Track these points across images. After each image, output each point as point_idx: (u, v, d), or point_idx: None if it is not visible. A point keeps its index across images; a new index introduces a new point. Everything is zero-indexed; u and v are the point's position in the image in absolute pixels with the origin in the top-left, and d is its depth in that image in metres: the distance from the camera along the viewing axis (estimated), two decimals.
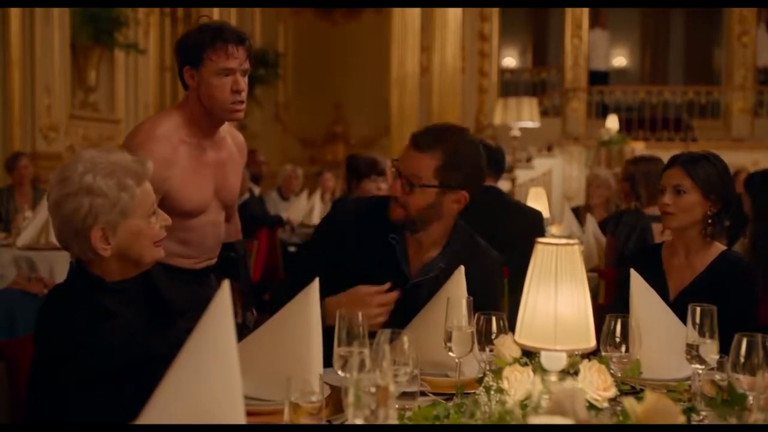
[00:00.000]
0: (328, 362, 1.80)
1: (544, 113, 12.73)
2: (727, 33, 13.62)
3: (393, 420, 1.36)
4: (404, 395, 1.64)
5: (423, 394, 1.82)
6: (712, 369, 1.85)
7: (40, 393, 1.77)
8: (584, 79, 13.70)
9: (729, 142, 12.34)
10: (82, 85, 8.33)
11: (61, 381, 1.73)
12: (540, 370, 1.55)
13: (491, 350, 1.82)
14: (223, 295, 1.36)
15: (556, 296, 1.47)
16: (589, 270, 4.14)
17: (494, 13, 13.70)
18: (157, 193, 2.22)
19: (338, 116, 12.72)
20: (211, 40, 2.43)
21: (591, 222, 5.22)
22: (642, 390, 1.89)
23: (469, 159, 2.29)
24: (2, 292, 4.01)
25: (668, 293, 2.53)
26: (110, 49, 8.38)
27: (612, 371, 1.79)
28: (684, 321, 1.86)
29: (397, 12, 11.19)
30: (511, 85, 14.66)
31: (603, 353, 1.84)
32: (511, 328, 1.76)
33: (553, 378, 1.52)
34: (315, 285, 1.86)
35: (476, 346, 1.86)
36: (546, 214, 4.92)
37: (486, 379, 1.73)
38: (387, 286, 2.18)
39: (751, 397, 1.65)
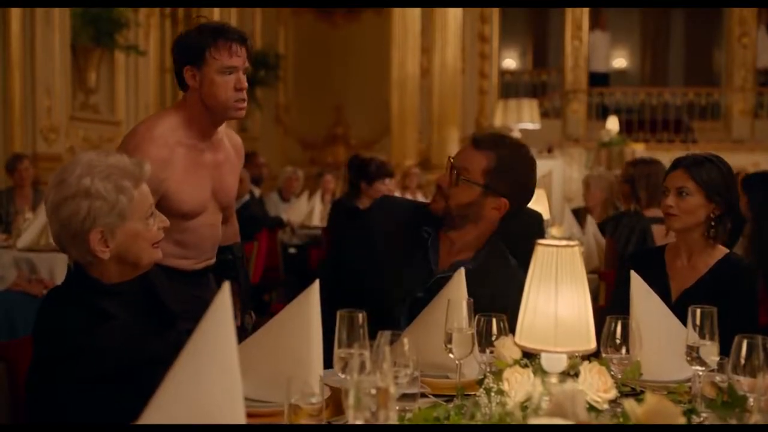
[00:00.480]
0: (328, 364, 1.80)
1: (544, 115, 12.74)
2: (727, 34, 13.62)
3: (393, 422, 1.36)
4: (404, 397, 1.64)
5: (423, 395, 1.82)
6: (713, 371, 1.85)
7: (39, 394, 1.77)
8: (584, 80, 13.71)
9: (729, 143, 12.34)
10: (82, 87, 8.33)
11: (59, 382, 1.73)
12: (540, 371, 1.55)
13: (491, 352, 1.81)
14: (224, 297, 1.36)
15: (557, 298, 1.47)
16: (590, 272, 4.14)
17: (494, 14, 13.71)
18: (154, 195, 2.21)
19: (339, 118, 12.72)
20: (215, 39, 2.43)
21: (591, 223, 5.22)
22: (642, 392, 1.89)
23: (519, 172, 2.33)
24: (2, 293, 4.01)
25: (670, 295, 2.53)
26: (111, 50, 8.38)
27: (612, 373, 1.78)
28: (685, 323, 1.86)
29: (398, 14, 11.19)
30: (511, 87, 14.66)
31: (603, 355, 1.84)
32: (512, 329, 1.76)
33: (554, 380, 1.52)
34: (315, 286, 1.87)
35: (476, 348, 1.86)
36: (546, 215, 4.91)
37: (486, 380, 1.73)
38: None
39: (751, 399, 1.65)
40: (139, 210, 1.82)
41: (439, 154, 10.84)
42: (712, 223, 2.52)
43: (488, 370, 1.79)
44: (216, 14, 9.33)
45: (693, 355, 1.81)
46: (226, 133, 2.69)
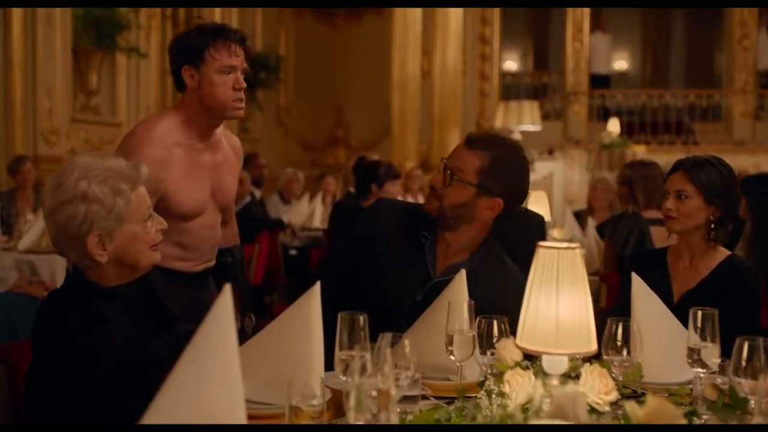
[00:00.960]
0: (329, 366, 1.80)
1: (545, 117, 12.74)
2: (728, 36, 13.62)
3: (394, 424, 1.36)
4: (405, 399, 1.64)
5: (424, 397, 1.82)
6: (714, 373, 1.84)
7: (38, 394, 1.78)
8: (585, 82, 13.71)
9: (730, 145, 12.34)
10: (83, 89, 8.34)
11: (57, 383, 1.74)
12: (541, 373, 1.55)
13: (492, 354, 1.81)
14: (225, 299, 1.36)
15: (558, 300, 1.47)
16: (591, 273, 4.14)
17: (495, 16, 13.71)
18: (153, 196, 2.23)
19: (339, 120, 12.72)
20: (214, 39, 2.44)
21: (592, 226, 5.22)
22: (643, 394, 1.89)
23: (513, 172, 2.32)
24: (4, 295, 4.01)
25: (672, 297, 2.53)
26: (112, 52, 8.39)
27: (613, 375, 1.78)
28: (686, 324, 1.86)
29: (398, 15, 11.19)
30: (512, 89, 14.66)
31: (604, 357, 1.84)
32: (510, 331, 1.76)
33: (555, 382, 1.52)
34: (316, 288, 1.87)
35: (477, 350, 1.86)
36: (547, 217, 4.92)
37: (487, 382, 1.73)
38: None
39: (752, 401, 1.65)
40: (136, 213, 1.82)
41: (439, 155, 10.76)
42: (712, 226, 2.52)
43: (489, 372, 1.79)
44: (217, 16, 9.34)
45: (694, 357, 1.81)
46: (224, 134, 2.68)
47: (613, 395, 1.68)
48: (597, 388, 1.66)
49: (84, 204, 1.76)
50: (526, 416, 1.54)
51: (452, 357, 1.86)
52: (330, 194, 8.36)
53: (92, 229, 1.76)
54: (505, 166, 2.30)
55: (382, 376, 1.36)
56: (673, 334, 2.06)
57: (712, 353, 1.80)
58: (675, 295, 2.55)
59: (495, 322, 1.85)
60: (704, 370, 1.81)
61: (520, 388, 1.65)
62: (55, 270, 4.45)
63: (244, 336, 2.54)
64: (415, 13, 11.21)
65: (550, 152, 11.95)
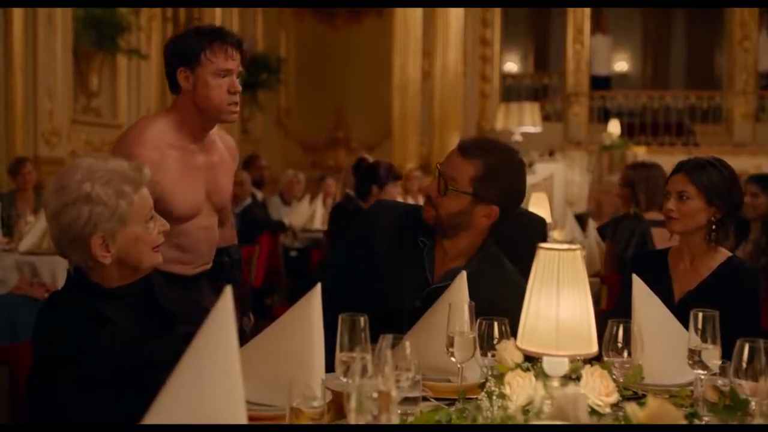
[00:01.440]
0: (330, 367, 1.80)
1: (545, 118, 12.74)
2: (728, 37, 13.62)
3: None
4: (406, 400, 1.64)
5: (425, 399, 1.82)
6: (715, 374, 1.84)
7: (39, 395, 1.78)
8: (586, 84, 13.71)
9: (731, 147, 12.34)
10: (84, 90, 8.35)
11: (58, 383, 1.74)
12: (542, 375, 1.55)
13: (493, 355, 1.81)
14: (226, 301, 1.36)
15: (558, 301, 1.47)
16: (591, 275, 4.14)
17: (496, 18, 13.72)
18: None
19: (340, 121, 12.73)
20: (211, 41, 2.43)
21: (593, 227, 5.22)
22: (644, 395, 1.89)
23: (509, 178, 2.30)
24: (4, 296, 4.01)
25: (673, 297, 2.53)
26: (113, 54, 8.39)
27: (614, 376, 1.78)
28: (686, 325, 1.86)
29: (399, 17, 11.19)
30: (512, 90, 14.66)
31: (605, 358, 1.84)
32: (513, 333, 1.76)
33: (555, 383, 1.52)
34: (317, 290, 1.87)
35: (478, 352, 1.86)
36: (548, 219, 4.92)
37: (488, 384, 1.73)
38: None
39: (753, 403, 1.65)
40: (139, 214, 1.83)
41: (440, 157, 10.75)
42: (713, 227, 2.53)
43: (490, 373, 1.79)
44: (218, 17, 9.35)
45: (695, 358, 1.81)
46: (218, 134, 2.67)
47: (614, 397, 1.68)
48: (598, 390, 1.66)
49: (88, 205, 1.76)
50: (526, 418, 1.54)
51: (453, 358, 1.86)
52: (330, 196, 8.36)
53: (96, 230, 1.77)
54: (500, 173, 2.27)
55: (383, 377, 1.36)
56: (673, 335, 2.06)
57: (712, 355, 1.80)
58: (676, 295, 2.55)
59: (496, 324, 1.85)
60: (705, 372, 1.81)
61: (520, 390, 1.66)
62: (55, 271, 4.45)
63: (243, 336, 2.54)
64: (416, 15, 11.21)
65: (551, 154, 11.96)
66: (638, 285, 2.18)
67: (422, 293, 2.30)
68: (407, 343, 1.65)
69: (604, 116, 13.12)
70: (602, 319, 1.73)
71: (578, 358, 1.57)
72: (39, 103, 7.36)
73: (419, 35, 11.27)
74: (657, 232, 4.34)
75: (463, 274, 2.13)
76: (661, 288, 2.28)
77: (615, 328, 1.86)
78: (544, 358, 1.51)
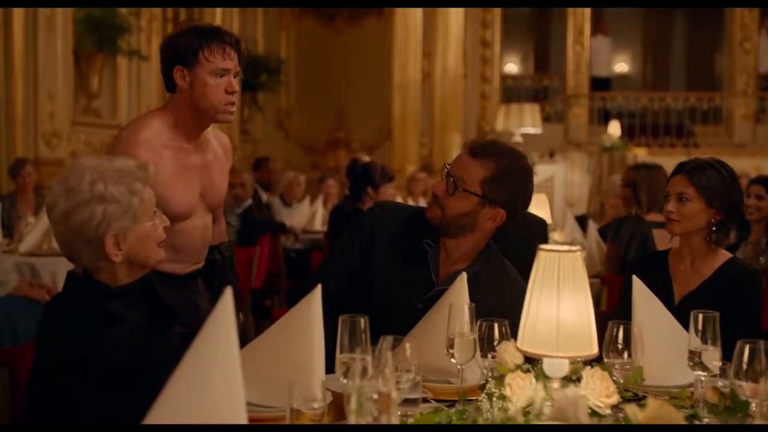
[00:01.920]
0: (330, 369, 1.80)
1: (546, 119, 12.75)
2: (728, 39, 13.62)
3: None
4: (406, 402, 1.64)
5: (425, 400, 1.82)
6: (715, 376, 1.84)
7: (42, 397, 1.77)
8: (586, 85, 13.71)
9: (731, 148, 12.34)
10: (84, 92, 8.34)
11: (65, 384, 1.74)
12: (542, 376, 1.55)
13: (493, 357, 1.81)
14: (226, 303, 1.37)
15: (559, 303, 1.47)
16: (592, 276, 4.14)
17: (496, 19, 13.72)
18: None
19: (340, 122, 12.73)
20: (208, 41, 2.41)
21: (593, 228, 5.22)
22: (644, 397, 1.89)
23: (518, 182, 2.30)
24: (5, 298, 4.01)
25: (673, 298, 2.53)
26: (113, 55, 8.39)
27: (614, 378, 1.78)
28: (687, 326, 1.86)
29: (399, 18, 11.19)
30: (513, 92, 14.66)
31: (605, 360, 1.84)
32: (513, 334, 1.76)
33: (556, 385, 1.52)
34: (317, 292, 1.87)
35: (478, 353, 1.86)
36: (548, 220, 4.92)
37: (488, 385, 1.73)
38: None
39: (753, 404, 1.65)
40: (148, 211, 1.85)
41: (440, 158, 10.83)
42: (713, 228, 2.53)
43: (490, 375, 1.79)
44: (218, 18, 9.36)
45: (695, 360, 1.81)
46: (213, 133, 2.65)
47: (614, 398, 1.68)
48: (598, 391, 1.66)
49: (101, 205, 1.77)
50: (527, 419, 1.55)
51: (453, 360, 1.86)
52: (331, 197, 8.36)
53: (110, 229, 1.78)
54: (510, 176, 2.28)
55: (383, 379, 1.36)
56: (674, 337, 2.06)
57: (713, 356, 1.80)
58: (676, 296, 2.55)
59: (496, 325, 1.85)
60: (705, 373, 1.81)
61: (521, 391, 1.65)
62: (56, 272, 4.45)
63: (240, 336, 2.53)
64: (416, 16, 11.21)
65: (551, 155, 11.97)
66: (638, 286, 2.18)
67: (426, 295, 2.29)
68: (407, 345, 1.65)
69: (605, 117, 13.12)
70: (602, 320, 1.73)
71: (578, 359, 1.57)
72: (39, 105, 7.36)
73: (419, 36, 11.27)
74: (658, 233, 4.34)
75: (463, 275, 2.13)
76: (661, 288, 2.28)
77: (615, 329, 1.86)
78: (545, 360, 1.51)
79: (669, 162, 3.57)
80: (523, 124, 11.47)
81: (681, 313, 2.12)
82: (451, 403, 1.85)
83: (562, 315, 1.47)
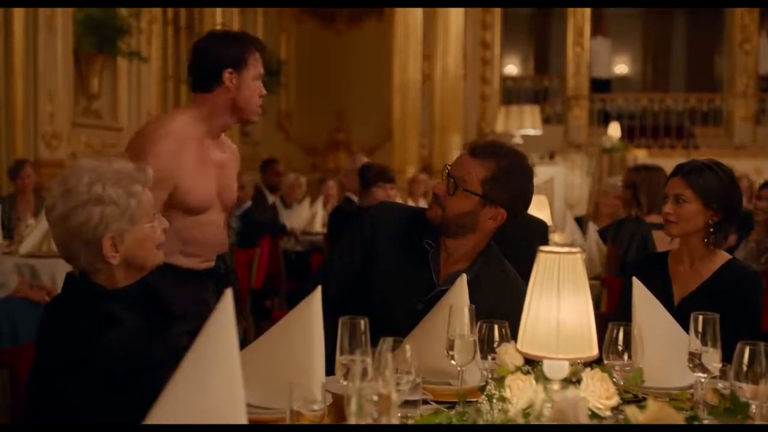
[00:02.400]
0: (330, 370, 1.80)
1: (546, 121, 12.76)
2: (728, 40, 13.63)
3: None
4: (406, 404, 1.64)
5: (425, 402, 1.82)
6: (715, 377, 1.84)
7: (42, 397, 1.77)
8: (586, 86, 13.72)
9: (731, 149, 12.34)
10: (84, 93, 8.34)
11: (64, 385, 1.74)
12: (542, 378, 1.55)
13: (493, 358, 1.81)
14: (226, 304, 1.37)
15: (559, 305, 1.47)
16: (592, 278, 4.14)
17: (496, 20, 13.73)
18: (165, 188, 2.44)
19: (340, 124, 12.73)
20: (253, 48, 2.65)
21: (593, 230, 5.22)
22: (644, 398, 1.89)
23: (518, 182, 2.31)
24: (5, 299, 4.02)
25: (673, 299, 2.54)
26: (113, 57, 8.39)
27: (614, 380, 1.78)
28: (686, 327, 1.86)
29: (399, 19, 11.20)
30: (513, 93, 14.67)
31: (605, 361, 1.84)
32: (514, 336, 1.76)
33: (556, 386, 1.52)
34: (317, 293, 1.87)
35: (478, 355, 1.86)
36: (548, 222, 4.92)
37: (488, 387, 1.73)
38: None
39: (753, 406, 1.65)
40: (146, 213, 1.85)
41: (440, 159, 10.85)
42: (711, 230, 2.53)
43: (490, 376, 1.79)
44: (218, 18, 9.35)
45: (695, 361, 1.81)
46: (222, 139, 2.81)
47: (614, 400, 1.68)
48: (598, 393, 1.66)
49: (99, 206, 1.77)
50: (527, 421, 1.55)
51: (453, 361, 1.86)
52: (331, 198, 8.36)
53: (107, 231, 1.78)
54: (510, 176, 2.28)
55: (383, 380, 1.36)
56: (674, 338, 2.06)
57: (713, 358, 1.80)
58: (676, 297, 2.56)
59: (496, 327, 1.85)
60: (705, 375, 1.81)
61: (521, 393, 1.65)
62: (56, 274, 4.45)
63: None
64: (416, 17, 11.21)
65: (551, 156, 11.97)
66: (638, 288, 2.18)
67: (426, 295, 2.30)
68: (407, 346, 1.64)
69: (605, 119, 13.13)
70: (602, 321, 1.73)
71: (578, 361, 1.57)
72: (39, 106, 7.36)
73: (419, 38, 11.28)
74: (658, 234, 4.34)
75: (463, 276, 2.13)
76: (661, 290, 2.28)
77: (615, 331, 1.86)
78: (545, 361, 1.51)
79: (669, 163, 3.57)
80: (523, 125, 11.47)
81: (681, 314, 2.12)
82: (451, 405, 1.85)
83: (562, 317, 1.47)
